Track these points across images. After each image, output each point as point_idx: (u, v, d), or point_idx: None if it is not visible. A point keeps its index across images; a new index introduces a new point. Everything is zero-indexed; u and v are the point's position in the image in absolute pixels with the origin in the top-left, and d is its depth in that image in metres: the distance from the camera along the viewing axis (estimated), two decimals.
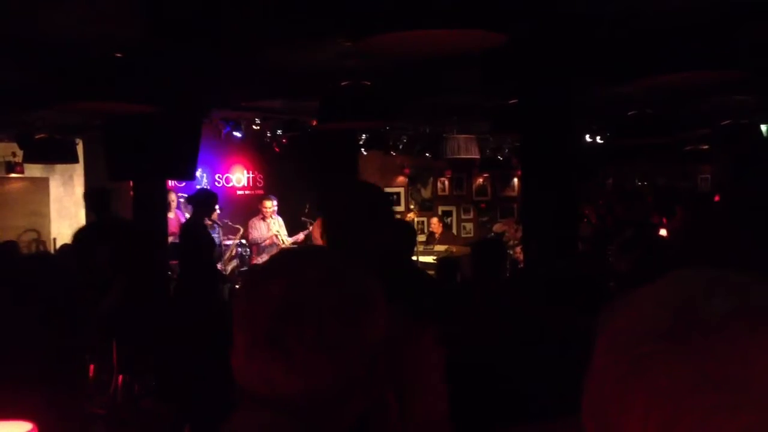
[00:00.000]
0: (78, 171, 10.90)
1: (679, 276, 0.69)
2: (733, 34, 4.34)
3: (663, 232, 10.65)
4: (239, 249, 10.11)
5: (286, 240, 10.03)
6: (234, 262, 9.95)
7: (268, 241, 9.86)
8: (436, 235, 11.63)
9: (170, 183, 9.70)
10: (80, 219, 11.04)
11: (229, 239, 10.05)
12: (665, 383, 0.59)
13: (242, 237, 10.16)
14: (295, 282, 1.03)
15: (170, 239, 9.18)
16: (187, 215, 9.73)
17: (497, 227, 11.80)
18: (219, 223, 9.75)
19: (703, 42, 4.29)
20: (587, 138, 11.06)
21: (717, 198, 11.23)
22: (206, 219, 7.96)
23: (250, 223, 10.02)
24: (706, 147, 11.74)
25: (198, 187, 10.70)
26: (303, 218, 10.50)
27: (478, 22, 3.30)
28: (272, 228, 9.91)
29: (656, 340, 0.62)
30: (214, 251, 8.19)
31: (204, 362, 3.53)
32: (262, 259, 9.67)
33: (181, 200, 10.00)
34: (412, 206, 12.38)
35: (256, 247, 9.94)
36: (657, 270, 0.75)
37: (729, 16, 4.32)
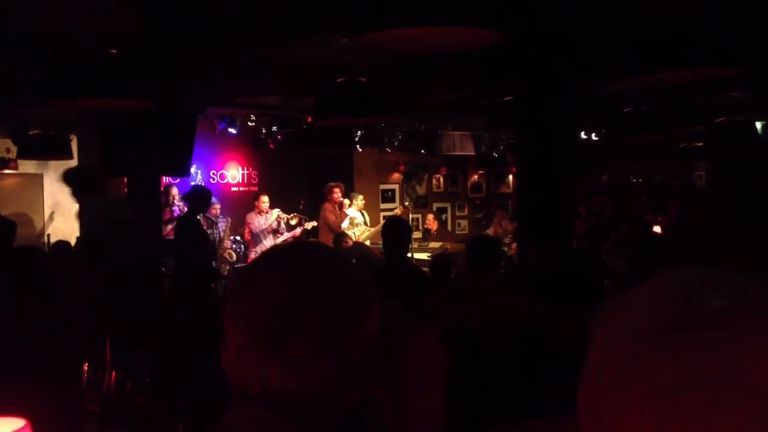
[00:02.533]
0: (72, 167, 10.86)
1: (674, 274, 0.69)
2: (728, 31, 4.35)
3: (657, 228, 10.69)
4: (234, 245, 10.12)
5: (291, 222, 10.12)
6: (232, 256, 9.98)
7: (268, 229, 9.91)
8: (432, 232, 11.64)
9: (165, 179, 9.71)
10: (74, 215, 11.01)
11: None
12: (661, 379, 0.59)
13: (233, 230, 10.21)
14: (289, 279, 1.02)
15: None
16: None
17: (491, 232, 11.82)
18: (213, 218, 9.78)
19: (699, 39, 4.29)
20: (582, 135, 11.08)
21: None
22: (201, 215, 7.99)
23: (248, 217, 10.05)
24: (700, 144, 11.77)
25: (192, 183, 10.71)
26: (298, 215, 10.50)
27: (475, 20, 3.30)
28: (269, 220, 9.95)
29: (652, 336, 0.62)
30: (208, 247, 8.20)
31: (198, 359, 3.52)
32: (258, 251, 9.70)
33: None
34: (407, 203, 12.39)
35: (252, 240, 9.96)
36: (652, 267, 0.75)
37: (724, 14, 4.33)
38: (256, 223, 9.94)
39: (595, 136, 11.16)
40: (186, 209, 9.13)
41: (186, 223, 7.75)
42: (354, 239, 10.13)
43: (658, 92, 7.22)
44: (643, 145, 10.66)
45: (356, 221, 10.44)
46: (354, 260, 7.58)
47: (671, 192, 14.04)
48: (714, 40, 4.30)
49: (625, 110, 8.27)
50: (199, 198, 7.79)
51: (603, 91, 7.30)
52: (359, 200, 10.76)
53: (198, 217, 8.02)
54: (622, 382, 0.62)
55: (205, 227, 9.69)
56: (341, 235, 9.64)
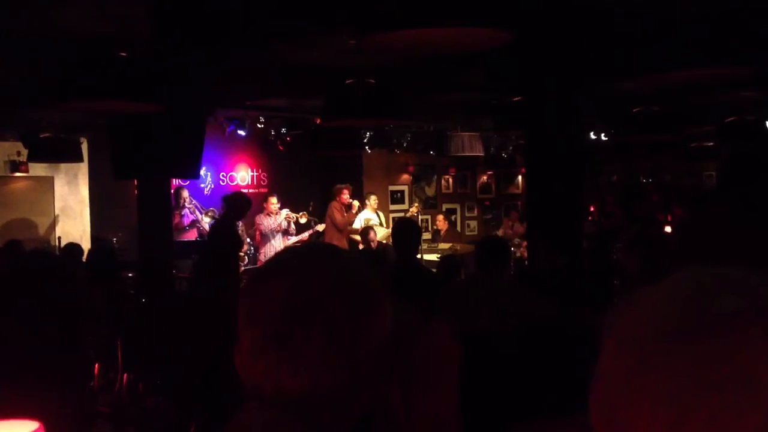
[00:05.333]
0: (83, 170, 10.92)
1: (685, 274, 0.68)
2: (740, 29, 4.32)
3: (668, 229, 10.64)
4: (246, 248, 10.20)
5: (301, 220, 10.14)
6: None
7: (277, 229, 9.93)
8: (442, 233, 11.63)
9: (175, 181, 9.75)
10: (85, 218, 11.07)
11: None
12: (672, 384, 0.59)
13: (248, 232, 10.25)
14: (301, 281, 1.02)
15: (181, 236, 9.27)
16: (198, 214, 9.82)
17: (500, 233, 11.80)
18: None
19: (711, 38, 4.27)
20: (592, 135, 11.04)
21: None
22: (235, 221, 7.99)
23: (257, 218, 10.08)
24: (711, 143, 11.71)
25: (202, 185, 10.74)
26: (308, 217, 10.51)
27: (484, 21, 3.29)
28: (278, 220, 9.98)
29: (663, 340, 0.61)
30: (239, 251, 8.24)
31: (209, 361, 3.53)
32: (268, 251, 9.73)
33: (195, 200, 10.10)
34: (416, 204, 12.37)
35: (262, 241, 9.99)
36: (663, 267, 0.75)
37: (736, 12, 4.31)
38: (266, 224, 9.97)
39: (605, 136, 11.12)
40: (220, 213, 9.19)
41: (222, 228, 7.71)
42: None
43: (669, 92, 7.19)
44: (653, 144, 10.62)
45: (371, 222, 10.45)
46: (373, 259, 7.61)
47: (682, 192, 13.97)
48: (724, 39, 4.28)
49: (635, 110, 8.23)
50: (234, 204, 7.79)
51: (613, 91, 7.28)
52: (372, 201, 10.77)
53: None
54: (633, 386, 0.61)
55: None
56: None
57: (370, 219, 10.51)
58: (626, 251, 5.31)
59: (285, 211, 10.07)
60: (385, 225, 10.71)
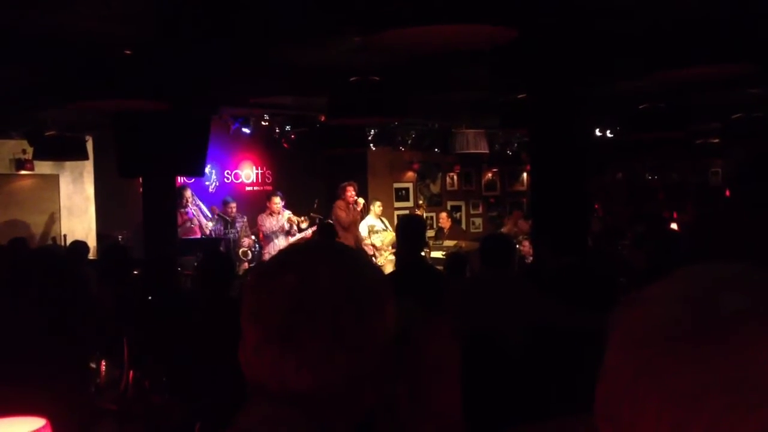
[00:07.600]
0: (88, 168, 10.94)
1: (691, 272, 0.68)
2: (745, 27, 4.31)
3: (674, 226, 10.63)
4: (255, 246, 10.21)
5: (302, 225, 10.15)
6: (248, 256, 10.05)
7: (280, 230, 9.93)
8: (445, 230, 11.62)
9: (180, 180, 9.78)
10: (90, 216, 11.09)
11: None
12: (678, 384, 0.59)
13: (251, 230, 10.29)
14: (306, 277, 1.02)
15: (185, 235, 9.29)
16: (201, 212, 9.85)
17: (505, 230, 11.80)
18: (227, 217, 9.82)
19: (716, 35, 4.26)
20: (597, 132, 11.02)
21: (728, 193, 11.18)
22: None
23: (259, 219, 10.09)
24: (717, 141, 11.68)
25: (207, 183, 10.74)
26: (312, 214, 10.51)
27: (489, 18, 3.29)
28: (280, 221, 9.98)
29: (669, 339, 0.61)
30: None
31: (214, 358, 3.53)
32: (271, 251, 9.73)
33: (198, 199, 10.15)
34: (421, 201, 12.36)
35: (265, 240, 10.00)
36: (671, 264, 0.75)
37: (742, 10, 4.30)
38: (268, 225, 9.97)
39: (610, 133, 11.10)
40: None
41: None
42: (378, 246, 10.16)
43: (674, 89, 7.17)
44: (658, 142, 10.59)
45: (375, 228, 10.41)
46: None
47: (688, 189, 13.94)
48: (730, 35, 4.27)
49: (641, 107, 8.21)
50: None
51: (618, 88, 7.26)
52: (377, 207, 10.73)
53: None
54: (639, 386, 0.61)
55: (222, 227, 9.80)
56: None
57: (374, 225, 10.48)
58: (633, 249, 5.30)
59: (287, 213, 10.08)
60: (390, 230, 10.67)
